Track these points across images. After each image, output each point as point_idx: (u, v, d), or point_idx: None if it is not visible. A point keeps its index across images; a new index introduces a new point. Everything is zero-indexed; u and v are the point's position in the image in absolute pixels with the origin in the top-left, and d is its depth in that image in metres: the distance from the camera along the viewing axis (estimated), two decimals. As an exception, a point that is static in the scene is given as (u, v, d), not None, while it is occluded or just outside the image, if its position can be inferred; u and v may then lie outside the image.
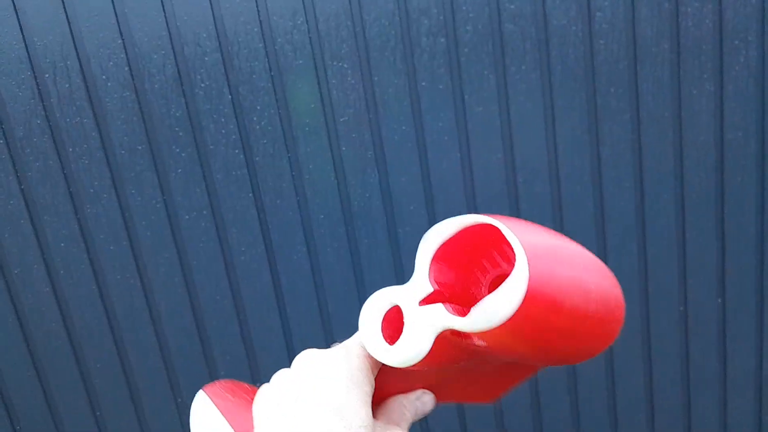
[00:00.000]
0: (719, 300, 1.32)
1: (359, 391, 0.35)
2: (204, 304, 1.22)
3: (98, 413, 1.25)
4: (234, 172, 1.16)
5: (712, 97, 1.21)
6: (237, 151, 1.15)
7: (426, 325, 0.33)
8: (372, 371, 0.37)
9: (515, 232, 0.31)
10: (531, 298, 0.30)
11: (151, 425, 1.28)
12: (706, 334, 1.34)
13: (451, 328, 0.33)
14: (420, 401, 0.41)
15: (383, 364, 0.37)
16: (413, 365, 0.35)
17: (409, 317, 0.34)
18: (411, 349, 0.34)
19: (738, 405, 1.40)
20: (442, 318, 0.33)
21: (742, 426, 1.41)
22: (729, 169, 1.25)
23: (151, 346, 1.23)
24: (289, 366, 0.39)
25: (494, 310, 0.31)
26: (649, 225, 1.27)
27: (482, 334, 0.32)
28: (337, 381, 0.35)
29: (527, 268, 0.30)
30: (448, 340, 0.34)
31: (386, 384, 0.39)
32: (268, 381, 0.40)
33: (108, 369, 1.23)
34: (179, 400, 1.27)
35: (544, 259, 0.31)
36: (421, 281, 0.34)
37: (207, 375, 1.25)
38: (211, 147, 1.14)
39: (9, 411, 1.23)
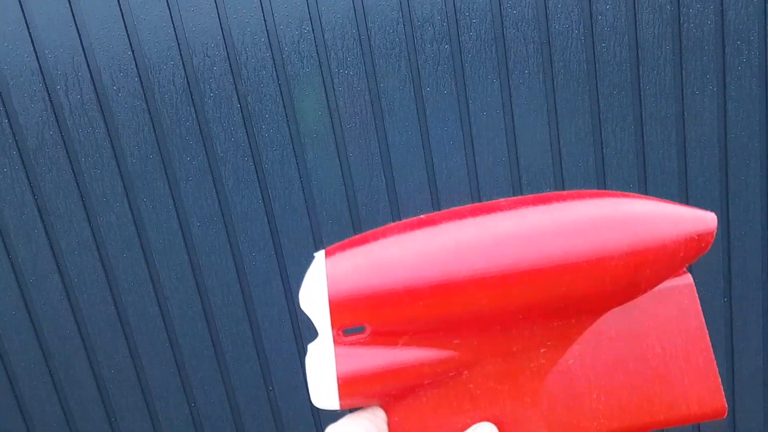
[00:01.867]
0: (725, 299, 1.33)
1: None
2: (216, 310, 1.24)
3: (113, 419, 1.27)
4: (243, 180, 1.18)
5: (714, 97, 1.22)
6: (246, 158, 1.16)
7: None
8: None
9: None
10: None
11: (165, 429, 1.30)
12: (713, 334, 1.35)
13: None
14: None
15: None
16: None
17: None
18: None
19: (746, 404, 1.40)
20: None
21: (751, 425, 1.42)
22: (733, 168, 1.26)
23: (164, 352, 1.25)
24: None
25: None
26: (654, 225, 1.28)
27: None
28: None
29: None
30: None
31: None
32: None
33: (122, 374, 1.25)
34: (193, 404, 1.29)
35: None
36: None
37: (220, 379, 1.27)
38: (221, 155, 1.16)
39: (24, 417, 1.25)
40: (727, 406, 0.37)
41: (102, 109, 1.12)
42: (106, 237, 1.17)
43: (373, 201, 1.21)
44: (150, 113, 1.13)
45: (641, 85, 1.21)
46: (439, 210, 1.13)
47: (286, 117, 1.15)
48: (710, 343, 0.37)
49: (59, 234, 1.16)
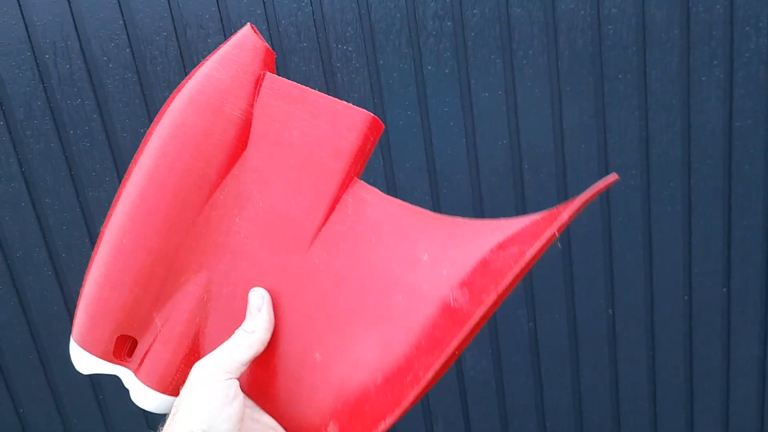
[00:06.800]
0: (724, 289, 1.31)
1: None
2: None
3: (101, 396, 1.26)
4: (237, 157, 1.15)
5: (721, 84, 1.19)
6: (240, 134, 1.13)
7: None
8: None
9: None
10: None
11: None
12: (711, 324, 1.33)
13: None
14: None
15: None
16: None
17: None
18: None
19: (740, 395, 1.39)
20: None
21: (745, 415, 1.41)
22: (737, 157, 1.23)
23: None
24: None
25: None
26: (655, 213, 1.26)
27: None
28: None
29: None
30: None
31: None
32: None
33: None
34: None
35: None
36: None
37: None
38: (214, 130, 1.13)
39: (12, 394, 1.23)
40: (369, 112, 0.41)
41: (92, 81, 1.09)
42: (95, 212, 1.14)
43: (370, 181, 1.18)
44: (141, 86, 1.09)
45: (647, 69, 1.18)
46: (437, 192, 1.09)
47: (282, 93, 1.12)
48: (311, 90, 0.42)
49: (47, 208, 1.13)
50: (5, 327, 1.19)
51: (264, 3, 1.07)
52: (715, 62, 1.18)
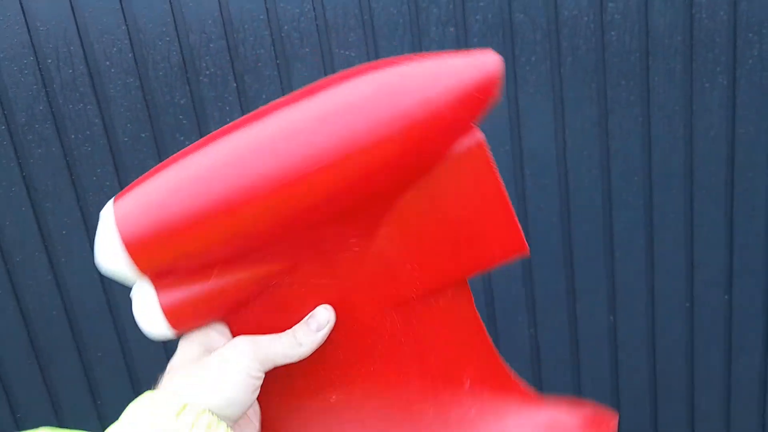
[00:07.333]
0: (726, 297, 1.31)
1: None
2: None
3: (99, 402, 1.25)
4: (238, 162, 1.14)
5: (724, 90, 1.19)
6: (241, 140, 1.13)
7: None
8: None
9: None
10: None
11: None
12: (712, 331, 1.33)
13: None
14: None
15: None
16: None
17: None
18: None
19: (742, 402, 1.39)
20: None
21: (746, 423, 1.40)
22: (740, 164, 1.23)
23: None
24: None
25: None
26: (657, 219, 1.25)
27: None
28: None
29: None
30: None
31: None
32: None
33: (109, 358, 1.23)
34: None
35: None
36: None
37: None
38: (216, 135, 1.13)
39: (10, 399, 1.23)
40: (527, 245, 0.39)
41: (94, 85, 1.08)
42: (95, 217, 1.14)
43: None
44: (143, 90, 1.09)
45: (650, 75, 1.18)
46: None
47: (284, 98, 1.12)
48: (505, 191, 0.39)
49: (47, 212, 1.13)
50: (4, 332, 1.18)
51: (267, 8, 1.07)
52: (718, 69, 1.18)
